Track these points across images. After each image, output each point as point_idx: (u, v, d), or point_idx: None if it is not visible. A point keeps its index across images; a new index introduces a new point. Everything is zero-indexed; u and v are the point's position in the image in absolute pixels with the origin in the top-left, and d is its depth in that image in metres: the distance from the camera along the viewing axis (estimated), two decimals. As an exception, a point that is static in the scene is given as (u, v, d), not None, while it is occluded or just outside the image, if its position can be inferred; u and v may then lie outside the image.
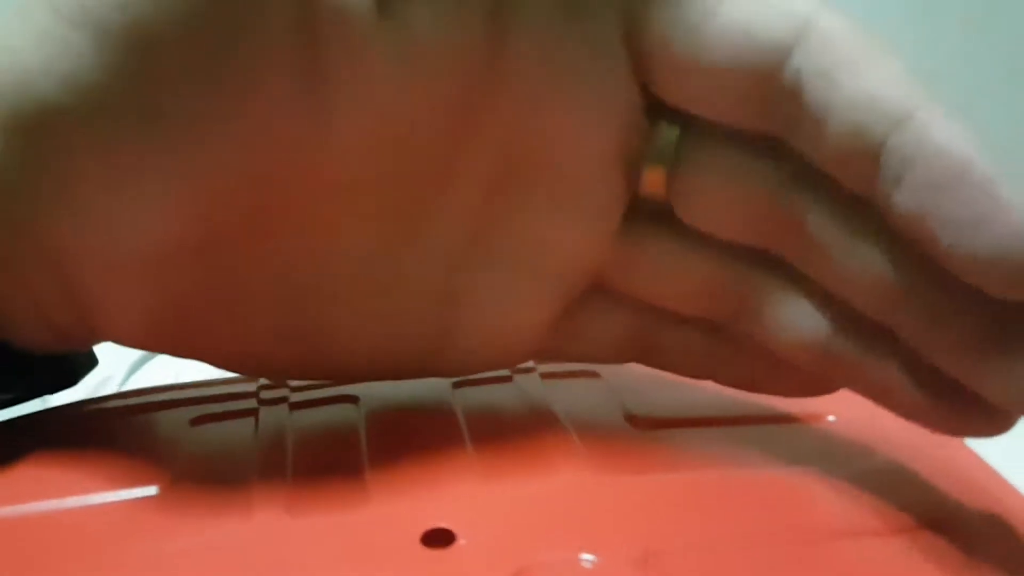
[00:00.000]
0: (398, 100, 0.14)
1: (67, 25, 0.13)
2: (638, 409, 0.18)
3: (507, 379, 0.19)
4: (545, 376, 0.19)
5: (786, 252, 0.15)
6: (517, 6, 0.14)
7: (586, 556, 0.13)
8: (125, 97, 0.13)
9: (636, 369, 0.19)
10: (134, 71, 0.13)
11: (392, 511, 0.14)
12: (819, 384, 0.16)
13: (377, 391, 0.18)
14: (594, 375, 0.19)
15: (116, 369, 0.38)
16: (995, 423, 0.14)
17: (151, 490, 0.15)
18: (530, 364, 0.20)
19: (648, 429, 0.17)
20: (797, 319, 0.15)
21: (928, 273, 0.13)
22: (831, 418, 0.18)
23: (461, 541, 0.14)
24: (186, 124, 0.14)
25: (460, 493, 0.15)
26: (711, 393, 0.18)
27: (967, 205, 0.12)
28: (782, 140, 0.14)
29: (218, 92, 0.13)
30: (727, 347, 0.16)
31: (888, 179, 0.13)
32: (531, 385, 0.19)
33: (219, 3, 0.13)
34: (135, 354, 0.38)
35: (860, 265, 0.14)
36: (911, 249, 0.13)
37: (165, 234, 0.14)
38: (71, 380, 0.18)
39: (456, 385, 0.19)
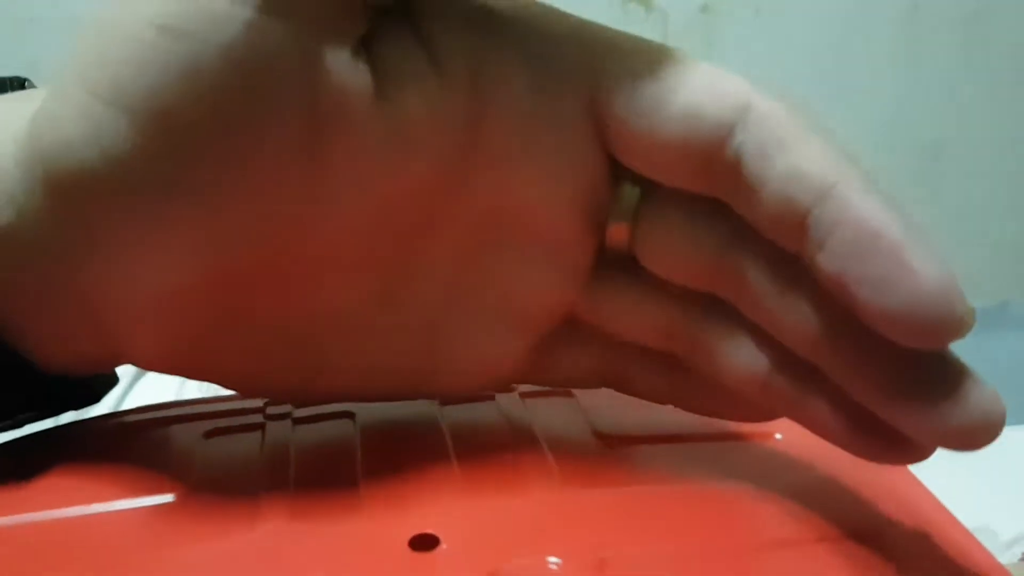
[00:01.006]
0: (389, 174, 0.16)
1: (102, 104, 0.15)
2: (606, 427, 0.20)
3: (490, 398, 0.21)
4: (524, 395, 0.21)
5: (731, 298, 0.17)
6: (493, 91, 0.16)
7: (552, 559, 0.15)
8: (151, 168, 0.15)
9: (606, 391, 0.20)
10: (160, 146, 0.15)
11: (383, 518, 0.16)
12: (762, 412, 0.18)
13: (372, 409, 0.20)
14: (568, 395, 0.21)
15: (122, 374, 0.40)
16: (912, 453, 0.15)
17: (168, 498, 0.17)
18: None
19: (614, 446, 0.19)
20: (741, 356, 0.17)
21: (848, 323, 0.15)
22: (778, 436, 0.20)
23: (444, 545, 0.15)
24: (203, 193, 0.15)
25: (444, 503, 0.17)
26: (672, 413, 0.20)
27: (879, 268, 0.14)
28: (726, 204, 0.16)
29: (232, 167, 0.15)
30: (684, 378, 0.18)
31: (813, 243, 0.14)
32: (511, 405, 0.21)
33: (237, 93, 0.14)
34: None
35: (792, 313, 0.16)
36: (834, 302, 0.15)
37: (182, 284, 0.16)
38: (94, 398, 0.20)
39: (443, 403, 0.20)
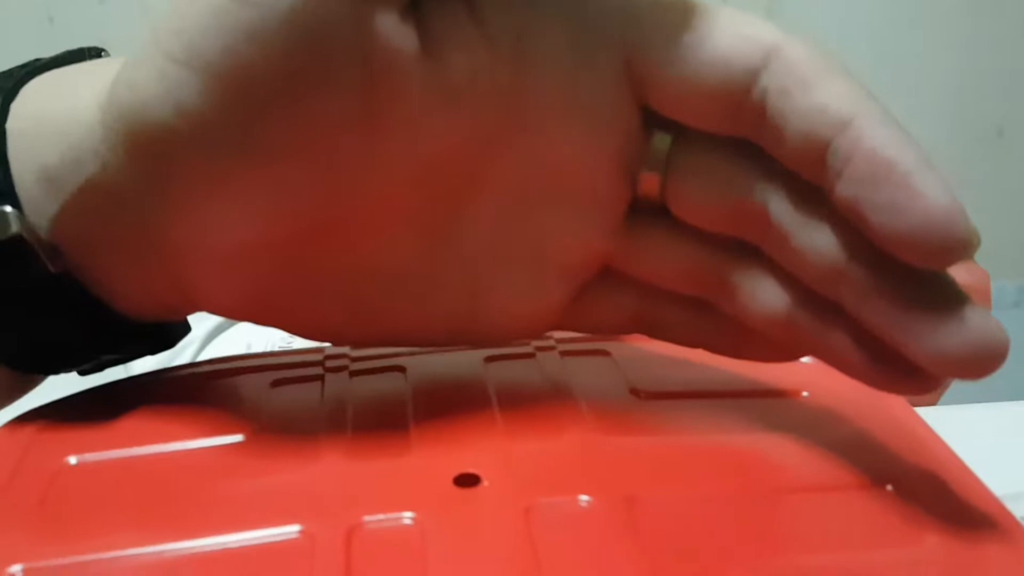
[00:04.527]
0: (436, 131, 0.17)
1: (178, 66, 0.16)
2: (641, 383, 0.21)
3: (531, 355, 0.22)
4: (563, 353, 0.22)
5: (756, 240, 0.18)
6: (535, 50, 0.17)
7: (582, 498, 0.16)
8: (223, 125, 0.16)
9: (642, 348, 0.21)
10: (229, 105, 0.16)
11: (430, 459, 0.18)
12: (786, 351, 0.19)
13: (422, 363, 0.22)
14: (605, 353, 0.22)
15: (196, 333, 0.43)
16: (924, 383, 0.16)
17: (238, 438, 0.19)
18: (551, 342, 0.23)
19: (648, 400, 0.20)
20: (765, 296, 0.18)
21: (864, 252, 0.16)
22: (805, 393, 0.21)
23: (485, 483, 0.17)
24: (270, 151, 0.17)
25: (486, 446, 0.18)
26: (705, 369, 0.21)
27: (891, 194, 0.15)
28: (753, 142, 0.17)
29: (296, 125, 0.16)
30: (713, 320, 0.19)
31: (832, 172, 0.16)
32: (551, 361, 0.22)
33: (299, 53, 0.16)
34: (214, 322, 0.42)
35: (812, 246, 0.17)
36: (851, 231, 0.16)
37: (252, 235, 0.18)
38: (169, 343, 0.22)
39: (487, 359, 0.22)
